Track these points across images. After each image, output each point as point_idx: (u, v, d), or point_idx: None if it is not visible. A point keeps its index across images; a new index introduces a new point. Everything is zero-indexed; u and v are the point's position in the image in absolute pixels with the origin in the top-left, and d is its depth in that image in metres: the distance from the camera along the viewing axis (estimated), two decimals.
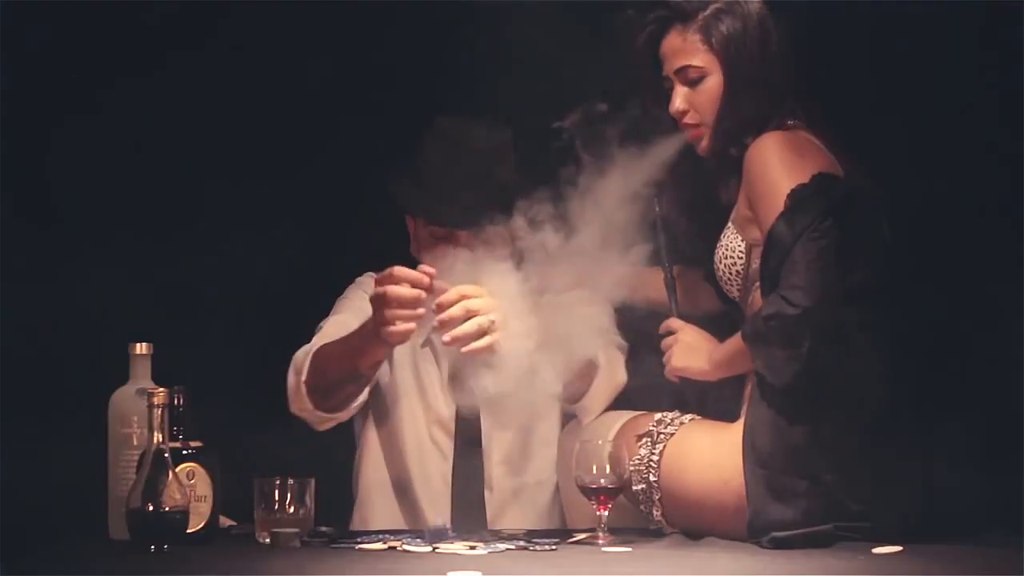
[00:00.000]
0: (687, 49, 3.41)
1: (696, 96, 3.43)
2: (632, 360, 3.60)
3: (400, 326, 3.28)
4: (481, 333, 3.31)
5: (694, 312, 3.60)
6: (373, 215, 3.90)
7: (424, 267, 3.33)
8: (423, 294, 3.29)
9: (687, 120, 3.45)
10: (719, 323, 3.52)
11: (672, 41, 3.44)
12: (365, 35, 4.01)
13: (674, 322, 3.53)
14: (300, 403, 3.56)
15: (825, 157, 3.36)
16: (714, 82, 3.41)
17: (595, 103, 3.40)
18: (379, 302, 3.29)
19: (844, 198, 3.29)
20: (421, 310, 3.30)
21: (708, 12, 3.39)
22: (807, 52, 3.49)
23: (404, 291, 3.28)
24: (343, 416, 3.62)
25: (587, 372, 3.52)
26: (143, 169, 3.92)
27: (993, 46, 3.72)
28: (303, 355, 3.55)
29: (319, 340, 3.59)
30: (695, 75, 3.42)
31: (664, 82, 3.47)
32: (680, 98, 3.43)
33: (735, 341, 3.35)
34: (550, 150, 3.49)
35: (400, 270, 3.30)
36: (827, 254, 3.23)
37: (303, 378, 3.51)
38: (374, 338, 3.33)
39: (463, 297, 3.31)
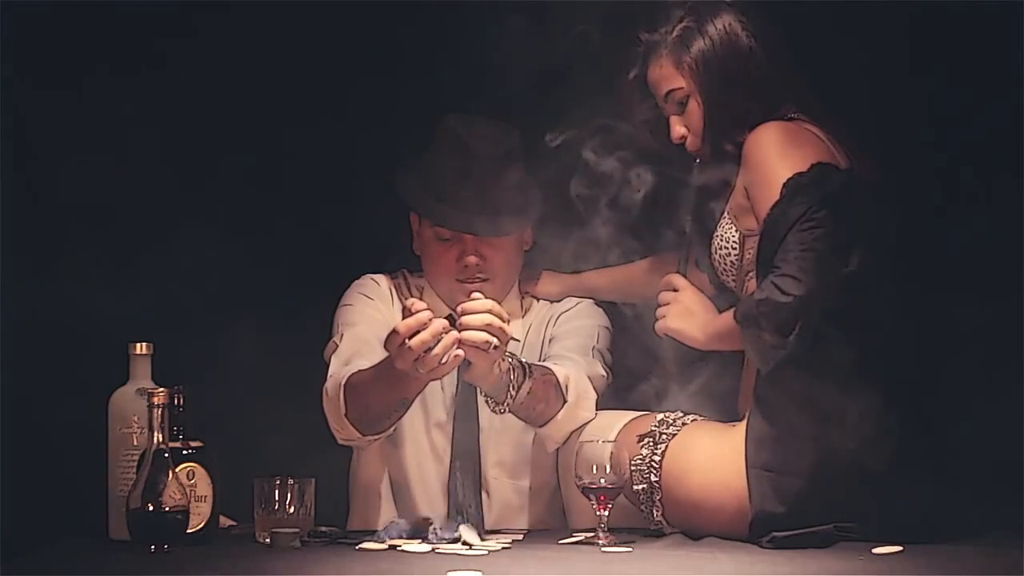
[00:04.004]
0: (665, 75, 3.48)
1: (688, 119, 3.48)
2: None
3: (448, 360, 3.31)
4: (483, 345, 3.33)
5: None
6: (374, 214, 3.90)
7: (413, 304, 3.33)
8: (437, 324, 3.30)
9: (688, 145, 3.49)
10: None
11: (653, 72, 3.50)
12: (371, 32, 4.00)
13: (678, 279, 3.52)
14: (347, 435, 3.58)
15: (825, 148, 3.36)
16: (696, 100, 3.46)
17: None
18: (409, 356, 3.29)
19: (842, 188, 3.30)
20: (452, 333, 3.32)
21: (674, 36, 3.45)
22: (810, 49, 3.51)
23: (424, 335, 3.29)
24: (388, 433, 3.62)
25: (554, 397, 3.53)
26: (143, 168, 3.91)
27: (996, 43, 3.73)
28: (335, 388, 3.54)
29: (342, 364, 3.59)
30: (680, 97, 3.47)
31: (664, 112, 3.52)
32: (676, 125, 3.49)
33: (731, 317, 3.35)
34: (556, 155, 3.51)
35: (404, 325, 3.29)
36: (820, 243, 3.24)
37: (343, 412, 3.52)
38: (417, 376, 3.35)
39: (488, 311, 3.34)
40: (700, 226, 3.53)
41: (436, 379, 3.42)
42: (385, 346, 3.34)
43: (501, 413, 3.48)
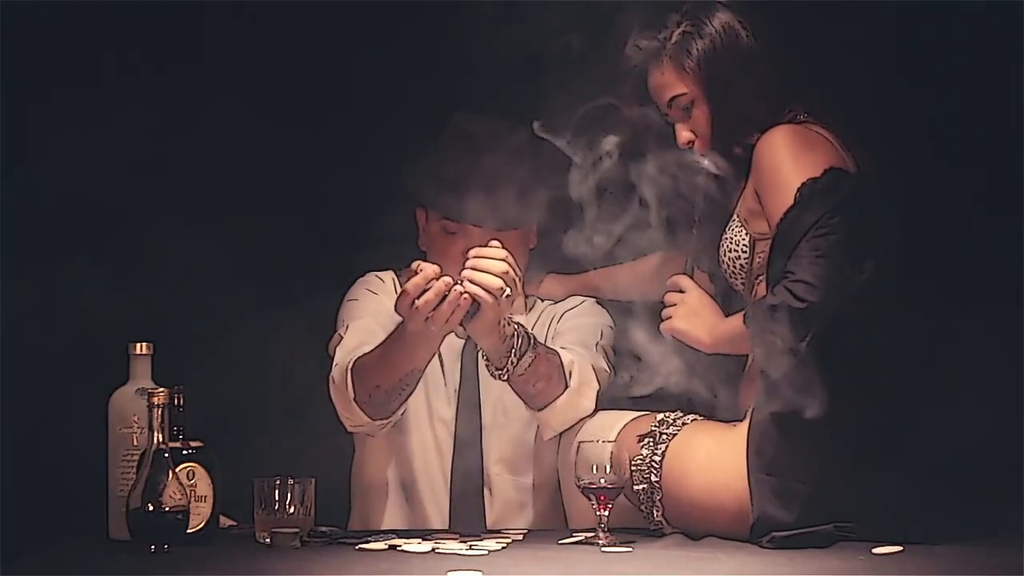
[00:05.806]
0: (667, 82, 3.45)
1: (695, 123, 3.46)
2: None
3: (454, 316, 3.35)
4: (495, 291, 3.35)
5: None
6: (377, 211, 3.90)
7: (419, 264, 3.36)
8: (442, 282, 3.33)
9: (697, 148, 3.47)
10: None
11: (654, 79, 3.47)
12: (372, 30, 4.00)
13: (685, 280, 3.51)
14: (356, 420, 3.58)
15: (836, 153, 3.36)
16: (702, 104, 3.44)
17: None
18: (418, 317, 3.34)
19: (854, 194, 3.30)
20: (456, 288, 3.35)
21: (673, 41, 3.43)
22: (808, 50, 3.51)
23: (429, 295, 3.33)
24: (397, 418, 3.63)
25: (557, 378, 3.53)
26: (143, 167, 3.91)
27: (995, 44, 3.73)
28: (341, 374, 3.56)
29: (347, 354, 3.60)
30: (684, 102, 3.45)
31: (667, 119, 3.51)
32: (682, 131, 3.47)
33: (738, 321, 3.34)
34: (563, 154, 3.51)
35: (412, 285, 3.34)
36: (835, 250, 3.24)
37: (351, 396, 3.53)
38: (429, 336, 3.39)
39: (504, 260, 3.37)
40: (706, 227, 3.52)
41: (450, 331, 3.44)
42: (396, 309, 3.38)
43: (500, 379, 3.49)
